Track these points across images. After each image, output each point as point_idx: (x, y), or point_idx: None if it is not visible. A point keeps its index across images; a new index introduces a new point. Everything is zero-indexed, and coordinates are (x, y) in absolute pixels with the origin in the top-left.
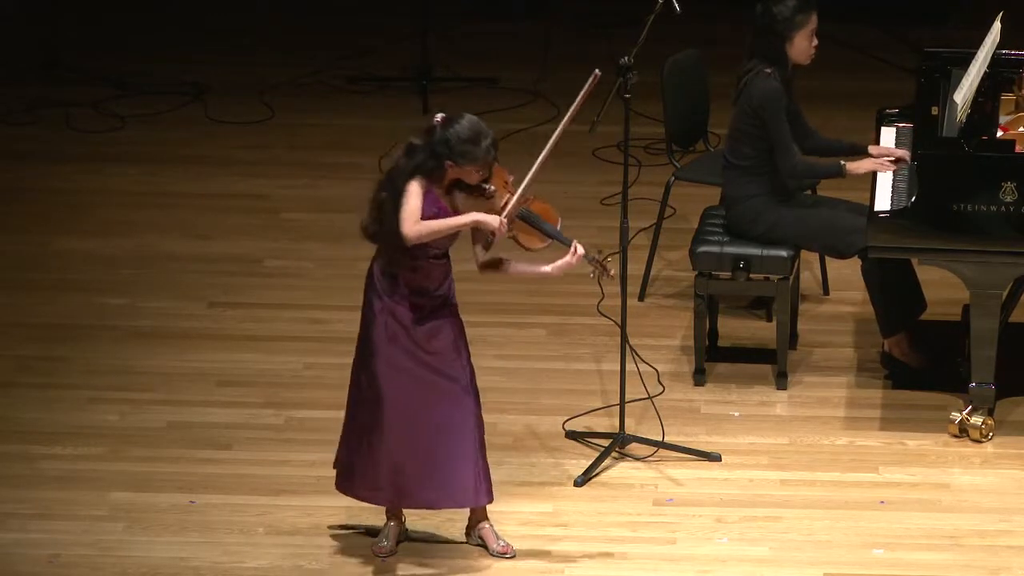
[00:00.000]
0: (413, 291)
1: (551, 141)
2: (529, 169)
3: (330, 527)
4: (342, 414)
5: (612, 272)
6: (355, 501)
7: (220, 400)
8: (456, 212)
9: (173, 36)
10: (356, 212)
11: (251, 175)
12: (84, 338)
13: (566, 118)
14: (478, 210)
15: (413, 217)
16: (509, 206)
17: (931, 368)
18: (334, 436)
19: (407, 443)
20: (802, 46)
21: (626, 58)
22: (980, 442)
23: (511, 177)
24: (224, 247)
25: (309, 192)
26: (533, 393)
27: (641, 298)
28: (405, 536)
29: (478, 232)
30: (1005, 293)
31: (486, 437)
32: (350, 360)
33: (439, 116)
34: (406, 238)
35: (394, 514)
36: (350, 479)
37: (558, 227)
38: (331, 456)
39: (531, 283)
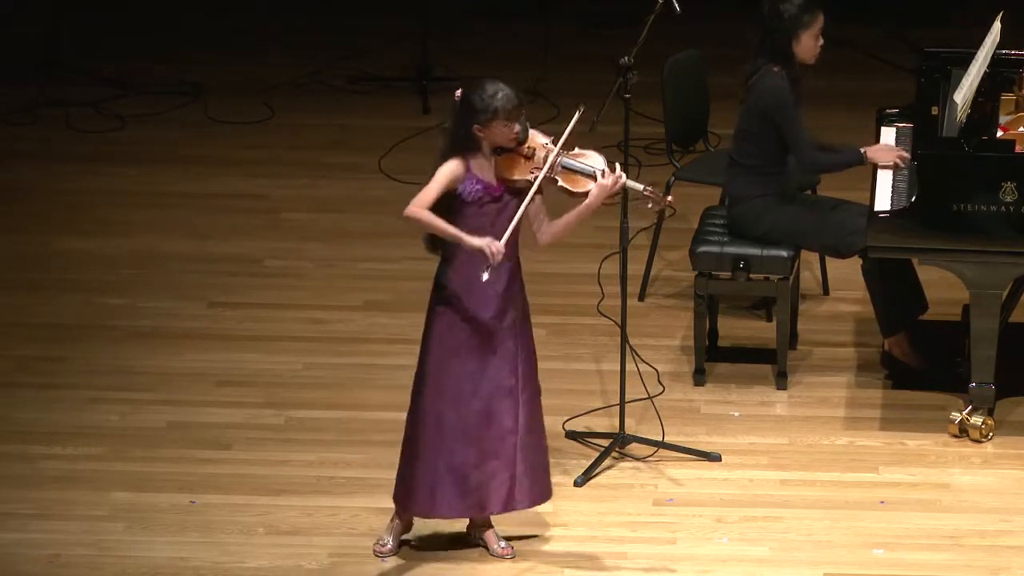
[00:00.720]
0: (475, 285)
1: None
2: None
3: (330, 527)
4: (342, 414)
5: (670, 198)
6: (356, 501)
7: (220, 400)
8: (503, 183)
9: (173, 36)
10: (356, 212)
11: (251, 175)
12: (84, 338)
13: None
14: (519, 169)
15: (423, 199)
16: (549, 159)
17: (931, 368)
18: (334, 436)
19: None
20: (808, 45)
21: (626, 58)
22: (980, 442)
23: (549, 139)
24: (224, 247)
25: (309, 192)
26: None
27: (641, 298)
28: (406, 537)
29: (533, 217)
30: (1005, 293)
31: None
32: (350, 360)
33: (457, 91)
34: (407, 212)
35: (398, 516)
36: (411, 494)
37: (602, 166)
38: (331, 456)
39: (530, 279)
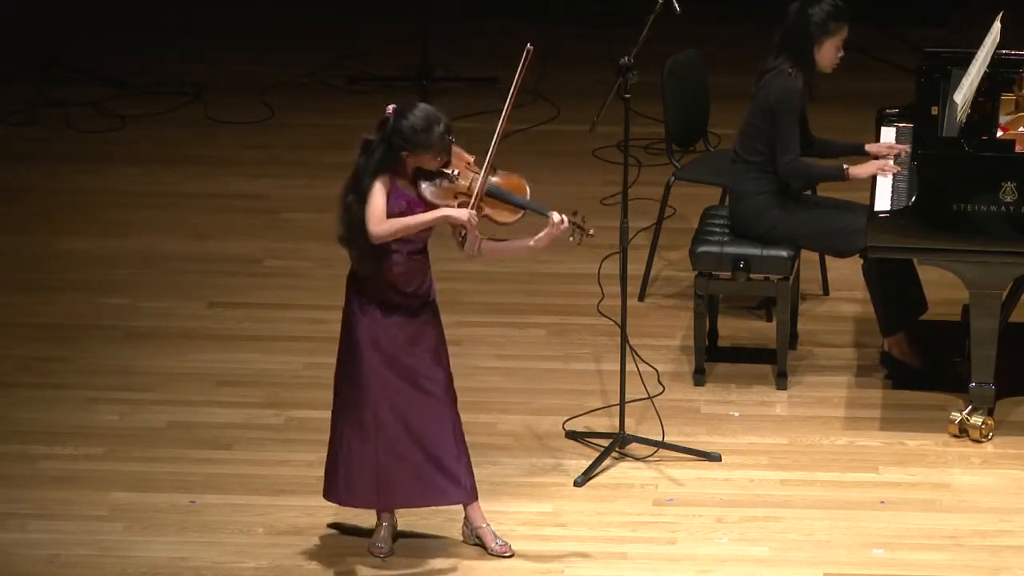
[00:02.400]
0: (393, 291)
1: (503, 115)
2: (487, 149)
3: (330, 527)
4: None
5: (591, 231)
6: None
7: (220, 400)
8: (423, 202)
9: (173, 36)
10: None
11: (251, 175)
12: (84, 338)
13: (511, 95)
14: (444, 195)
15: (377, 216)
16: (475, 189)
17: (931, 368)
18: None
19: (389, 445)
20: (829, 53)
21: (626, 58)
22: (980, 442)
23: (472, 158)
24: (224, 247)
25: (309, 192)
26: (533, 393)
27: (641, 298)
28: (397, 533)
29: (455, 226)
30: (1005, 293)
31: (487, 438)
32: None
33: (390, 108)
34: (373, 237)
35: (385, 513)
36: (334, 485)
37: (527, 196)
38: None
39: (520, 261)
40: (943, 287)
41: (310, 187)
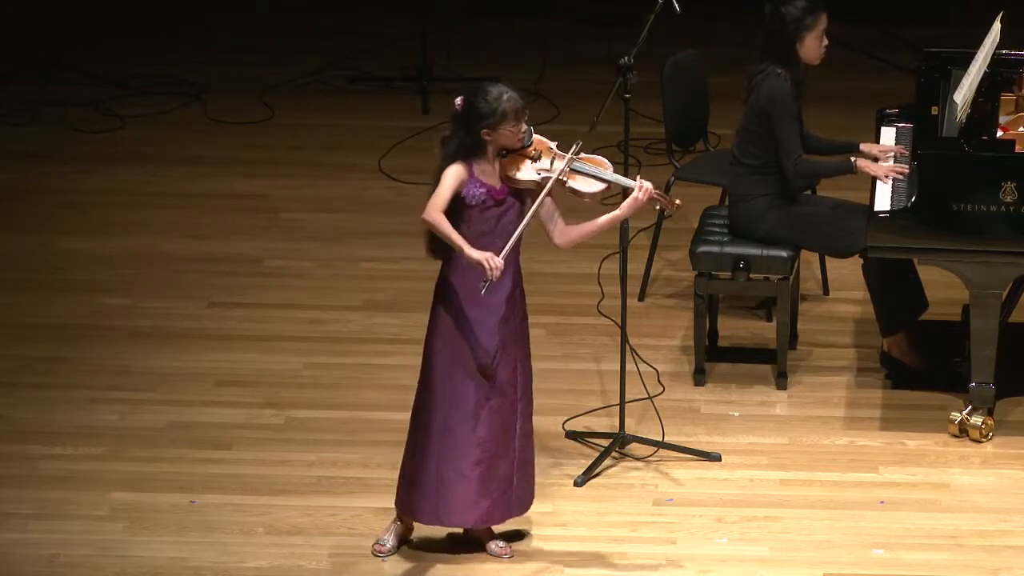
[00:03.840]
0: (472, 290)
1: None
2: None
3: (330, 527)
4: (342, 414)
5: (678, 201)
6: (356, 501)
7: (220, 400)
8: (508, 186)
9: (173, 36)
10: (356, 212)
11: (251, 175)
12: (84, 338)
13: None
14: (527, 172)
15: (436, 203)
16: (557, 168)
17: (931, 368)
18: (334, 436)
19: (457, 458)
20: (812, 46)
21: (626, 58)
22: (980, 442)
23: (554, 143)
24: (224, 247)
25: (309, 192)
26: (534, 393)
27: (641, 298)
28: (407, 539)
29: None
30: (1005, 293)
31: None
32: (349, 360)
33: (458, 99)
34: (424, 217)
35: (399, 516)
36: (406, 495)
37: (610, 170)
38: (331, 456)
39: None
40: (943, 287)
41: (310, 187)
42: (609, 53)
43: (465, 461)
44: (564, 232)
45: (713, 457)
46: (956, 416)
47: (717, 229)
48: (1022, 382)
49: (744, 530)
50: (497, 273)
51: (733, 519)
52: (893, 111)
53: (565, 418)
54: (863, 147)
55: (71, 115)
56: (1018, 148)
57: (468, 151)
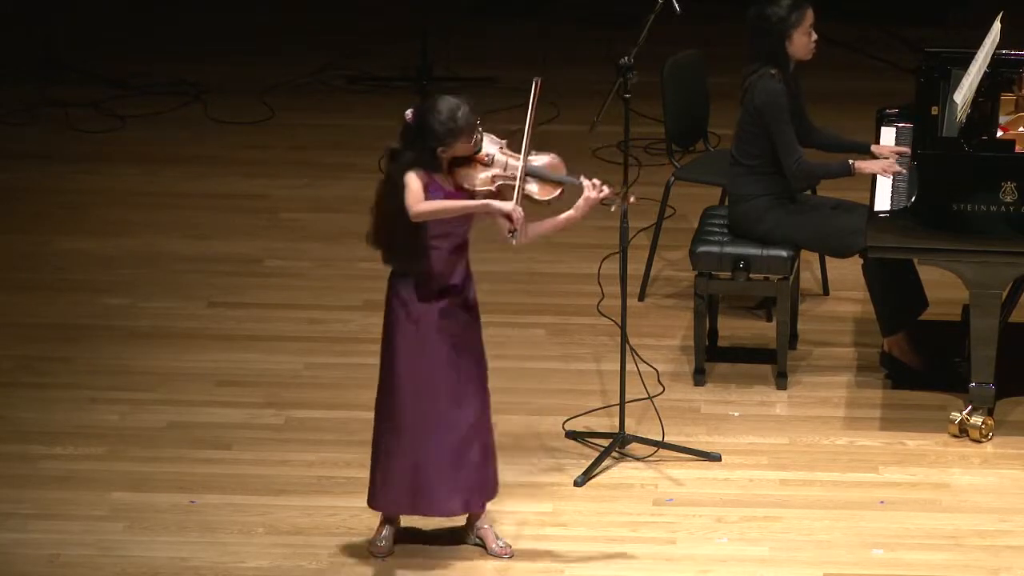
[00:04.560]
0: (432, 291)
1: (531, 108)
2: (522, 134)
3: (330, 527)
4: (342, 414)
5: (632, 198)
6: (357, 501)
7: (220, 400)
8: (463, 190)
9: (173, 36)
10: (356, 212)
11: (251, 175)
12: (84, 338)
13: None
14: (482, 181)
15: (416, 197)
16: (512, 169)
17: (931, 368)
18: (334, 436)
19: (427, 450)
20: (801, 43)
21: (626, 58)
22: (980, 442)
23: (504, 141)
24: (224, 247)
25: (309, 192)
26: (533, 393)
27: (641, 298)
28: (399, 535)
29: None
30: (1005, 293)
31: None
32: (350, 360)
33: (408, 112)
34: (413, 215)
35: (387, 514)
36: (373, 491)
37: (563, 172)
38: (331, 456)
39: (520, 260)
40: (943, 287)
41: (310, 187)
42: (609, 53)
43: (440, 450)
44: (524, 233)
45: (713, 457)
46: (956, 416)
47: (717, 229)
48: (1022, 382)
49: (744, 530)
50: (521, 219)
51: (733, 519)
52: (893, 111)
53: (565, 418)
54: (874, 148)
55: (71, 115)
56: (1018, 148)
57: (424, 165)
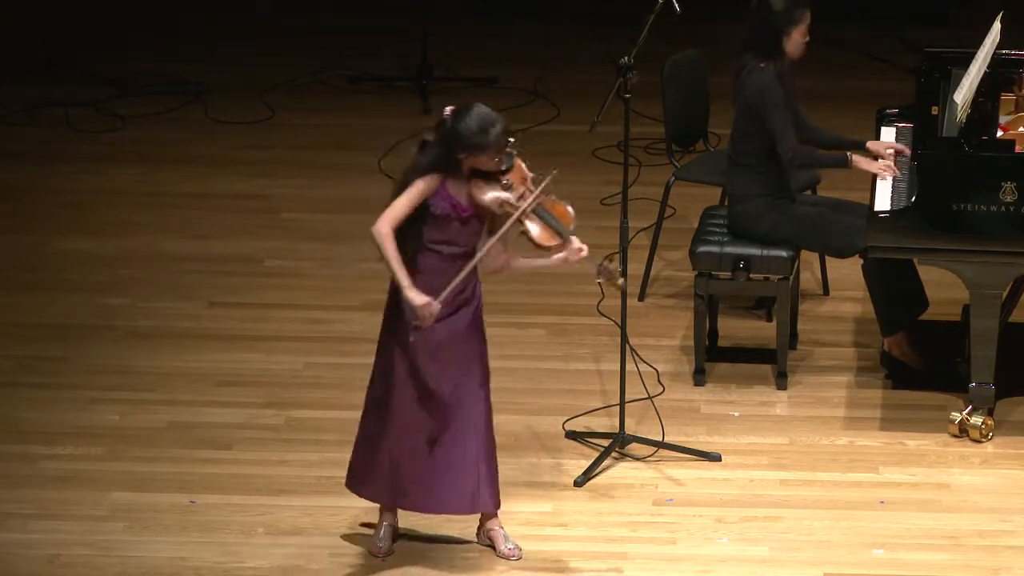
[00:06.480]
0: (434, 289)
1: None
2: (552, 170)
3: (330, 527)
4: (342, 414)
5: (620, 282)
6: (356, 501)
7: (220, 400)
8: (473, 205)
9: (173, 36)
10: (356, 212)
11: (251, 175)
12: (84, 338)
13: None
14: (492, 202)
15: (392, 215)
16: (522, 205)
17: (931, 368)
18: (334, 436)
19: (415, 444)
20: (797, 41)
21: (626, 58)
22: (980, 442)
23: (531, 175)
24: (224, 247)
25: (309, 192)
26: (533, 393)
27: (641, 298)
28: (398, 533)
29: (490, 231)
30: (1005, 293)
31: None
32: (350, 360)
33: (448, 109)
34: (374, 228)
35: (387, 512)
36: (354, 476)
37: (571, 229)
38: (331, 456)
39: (531, 278)
40: (943, 287)
41: (310, 187)
42: (609, 53)
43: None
44: (502, 264)
45: (713, 457)
46: (956, 416)
47: (717, 229)
48: (1022, 382)
49: (744, 530)
50: (430, 322)
51: (733, 519)
52: (893, 111)
53: (565, 418)
54: (870, 145)
55: (71, 115)
56: (1018, 148)
57: (444, 167)
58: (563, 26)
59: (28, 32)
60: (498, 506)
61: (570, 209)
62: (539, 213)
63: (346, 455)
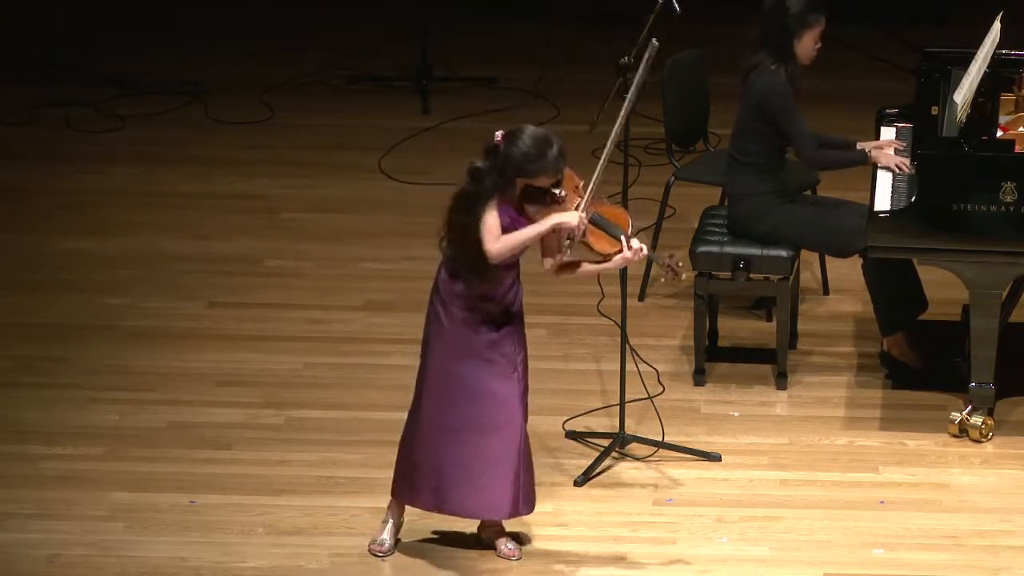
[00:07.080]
0: (479, 296)
1: (610, 141)
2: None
3: (330, 527)
4: (342, 414)
5: (683, 276)
6: (356, 501)
7: (220, 400)
8: (527, 217)
9: (173, 36)
10: (356, 212)
11: (251, 175)
12: (84, 338)
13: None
14: (547, 214)
15: (493, 234)
16: (581, 208)
17: (931, 368)
18: (334, 436)
19: (449, 448)
20: (808, 45)
21: (626, 58)
22: (980, 442)
23: (581, 181)
24: (224, 247)
25: (309, 192)
26: (533, 393)
27: (641, 298)
28: (400, 536)
29: (547, 243)
30: (1005, 293)
31: None
32: (349, 360)
33: (499, 134)
34: (491, 255)
35: (394, 511)
36: (396, 482)
37: (628, 231)
38: (331, 456)
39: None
40: (943, 287)
41: (310, 187)
42: (609, 53)
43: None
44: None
45: (713, 457)
46: (956, 416)
47: (717, 229)
48: (1022, 382)
49: (744, 530)
50: (584, 224)
51: (733, 519)
52: (893, 111)
53: (565, 418)
54: (860, 146)
55: (71, 115)
56: (1018, 148)
57: (502, 191)
58: (563, 26)
59: (28, 32)
60: (532, 509)
61: (624, 211)
62: (596, 221)
63: (346, 455)
